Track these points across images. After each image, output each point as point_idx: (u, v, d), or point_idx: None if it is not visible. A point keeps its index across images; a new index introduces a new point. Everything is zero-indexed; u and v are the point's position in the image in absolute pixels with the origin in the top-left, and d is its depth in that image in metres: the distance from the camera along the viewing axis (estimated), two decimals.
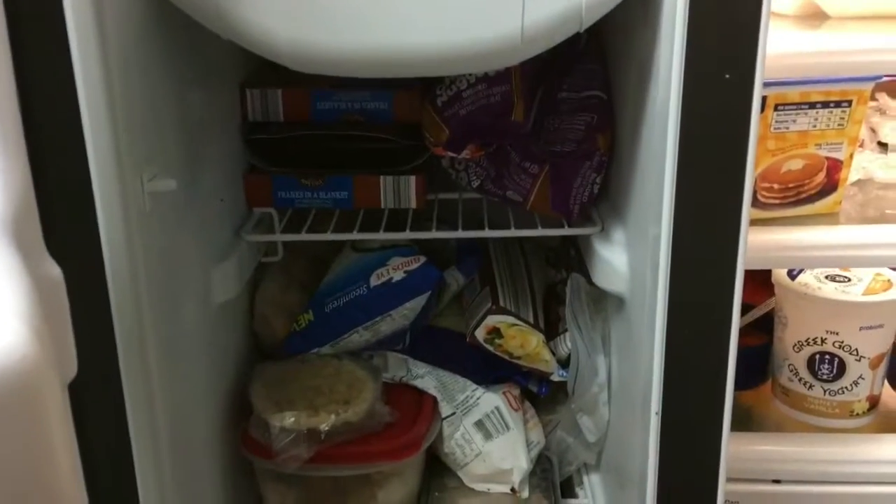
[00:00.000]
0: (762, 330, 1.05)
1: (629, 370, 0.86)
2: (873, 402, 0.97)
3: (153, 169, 0.67)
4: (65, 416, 0.34)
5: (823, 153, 0.87)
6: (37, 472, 0.30)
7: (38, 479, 0.29)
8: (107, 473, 0.67)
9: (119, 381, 0.61)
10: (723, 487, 0.77)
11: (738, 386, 0.74)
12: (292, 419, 0.85)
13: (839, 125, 0.86)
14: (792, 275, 0.97)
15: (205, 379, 0.84)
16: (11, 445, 0.29)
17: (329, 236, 0.93)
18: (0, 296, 0.31)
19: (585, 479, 1.06)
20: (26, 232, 0.41)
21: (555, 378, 1.01)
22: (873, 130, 1.11)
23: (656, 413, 0.72)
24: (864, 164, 1.03)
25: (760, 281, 1.03)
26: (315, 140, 0.95)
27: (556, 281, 1.10)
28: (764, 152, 0.86)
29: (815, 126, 0.86)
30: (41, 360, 0.30)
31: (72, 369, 0.42)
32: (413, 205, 0.96)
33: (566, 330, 1.00)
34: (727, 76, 0.62)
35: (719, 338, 0.72)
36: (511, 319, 0.97)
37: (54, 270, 0.42)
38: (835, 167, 0.88)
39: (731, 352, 0.72)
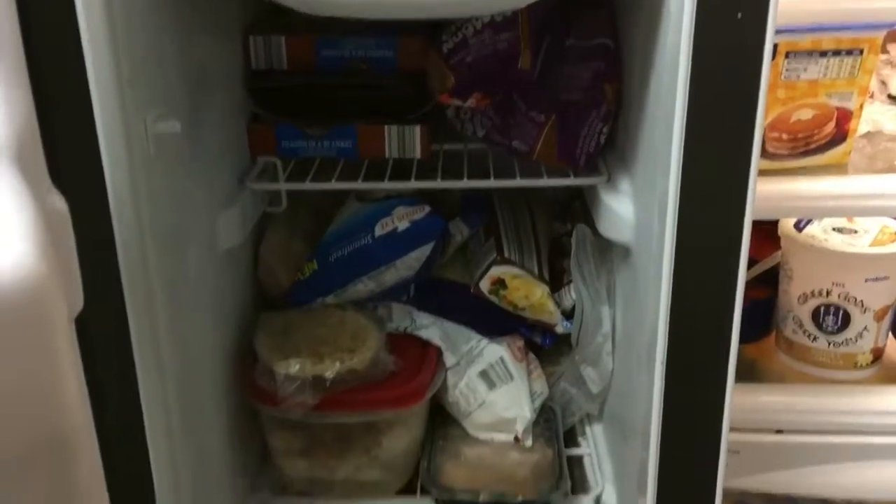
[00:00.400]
0: (767, 284, 1.05)
1: (634, 320, 0.86)
2: (877, 354, 0.97)
3: (157, 111, 0.67)
4: (72, 345, 0.34)
5: (833, 103, 0.87)
6: (45, 390, 0.29)
7: (47, 398, 0.29)
8: (115, 418, 0.67)
9: (125, 320, 0.61)
10: (726, 437, 0.77)
11: (742, 339, 0.73)
12: (297, 366, 0.86)
13: (850, 74, 0.85)
14: (799, 227, 0.97)
15: (211, 326, 0.85)
16: (18, 361, 0.28)
17: (333, 185, 0.92)
18: (6, 218, 0.31)
19: (588, 429, 1.07)
20: (31, 164, 0.41)
21: (559, 330, 1.02)
22: (884, 83, 1.10)
23: (661, 362, 0.72)
24: (873, 117, 1.02)
25: (766, 236, 1.02)
26: (319, 88, 0.94)
27: (560, 234, 1.10)
28: (774, 101, 0.85)
29: (825, 75, 0.85)
30: (48, 279, 0.29)
31: (78, 303, 0.42)
32: (418, 155, 0.95)
33: (570, 282, 1.00)
34: (739, 15, 0.61)
35: (726, 286, 0.71)
36: (515, 270, 0.97)
37: (60, 203, 0.41)
38: (844, 117, 0.87)
39: (738, 300, 0.72)
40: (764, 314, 1.05)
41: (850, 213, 0.93)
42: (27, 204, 0.33)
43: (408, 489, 0.97)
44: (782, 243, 1.00)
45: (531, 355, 1.05)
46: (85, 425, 0.34)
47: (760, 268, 1.05)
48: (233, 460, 0.90)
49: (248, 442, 0.95)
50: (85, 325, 0.44)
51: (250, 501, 0.95)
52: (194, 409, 0.79)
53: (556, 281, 1.02)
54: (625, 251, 0.88)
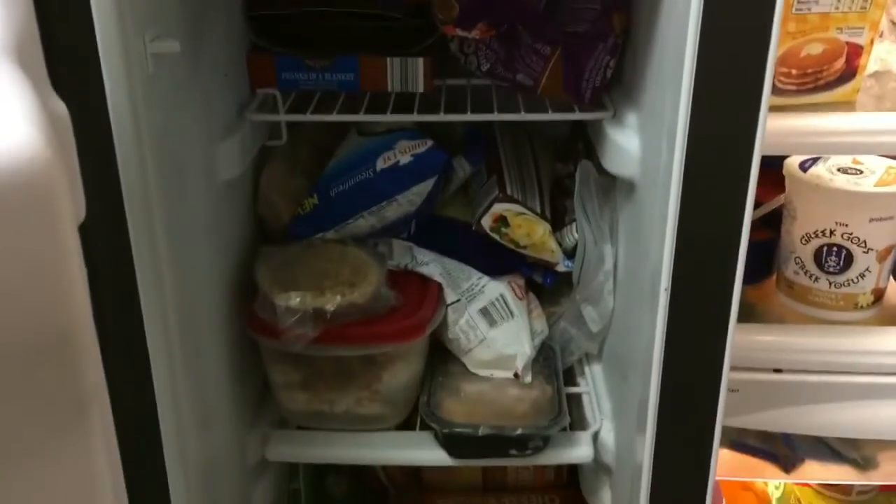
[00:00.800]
0: (769, 226, 1.04)
1: (637, 257, 0.85)
2: (878, 295, 0.97)
3: (155, 30, 0.65)
4: (78, 249, 0.33)
5: (844, 38, 0.85)
6: (55, 281, 0.29)
7: (57, 290, 0.29)
8: (117, 346, 0.67)
9: (128, 241, 0.61)
10: (726, 375, 0.78)
11: (743, 281, 0.73)
12: (298, 299, 0.85)
13: (861, 8, 0.83)
14: (804, 167, 0.95)
15: (211, 256, 0.84)
16: (27, 245, 0.28)
17: (334, 117, 0.91)
18: (8, 103, 0.30)
19: (587, 369, 1.07)
20: (32, 67, 0.40)
21: (560, 269, 1.01)
22: (893, 23, 1.08)
23: (665, 289, 0.72)
24: (882, 56, 1.00)
25: (769, 179, 1.01)
26: (321, 18, 0.92)
27: (563, 175, 1.09)
28: (784, 35, 0.83)
29: (837, 8, 0.83)
30: (54, 163, 0.28)
31: (81, 211, 0.41)
32: (421, 88, 0.94)
33: (573, 221, 0.99)
34: None
35: (732, 219, 0.71)
36: (518, 208, 0.96)
37: (60, 107, 0.40)
38: (855, 53, 0.86)
39: (744, 233, 0.71)
40: (765, 256, 1.05)
41: (859, 150, 0.92)
42: (30, 94, 0.32)
43: (407, 424, 0.98)
44: (787, 183, 0.99)
45: (531, 294, 1.05)
46: (92, 332, 0.33)
47: (764, 209, 1.04)
48: (233, 393, 0.91)
49: (249, 376, 0.95)
50: (86, 244, 0.44)
51: (250, 435, 0.96)
52: (195, 340, 0.78)
53: (558, 221, 1.02)
54: (629, 187, 0.87)
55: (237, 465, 0.93)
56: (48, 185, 0.29)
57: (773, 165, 0.98)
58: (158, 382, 0.70)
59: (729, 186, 0.70)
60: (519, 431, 0.90)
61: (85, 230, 0.42)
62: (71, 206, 0.31)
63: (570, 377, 1.06)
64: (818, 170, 0.95)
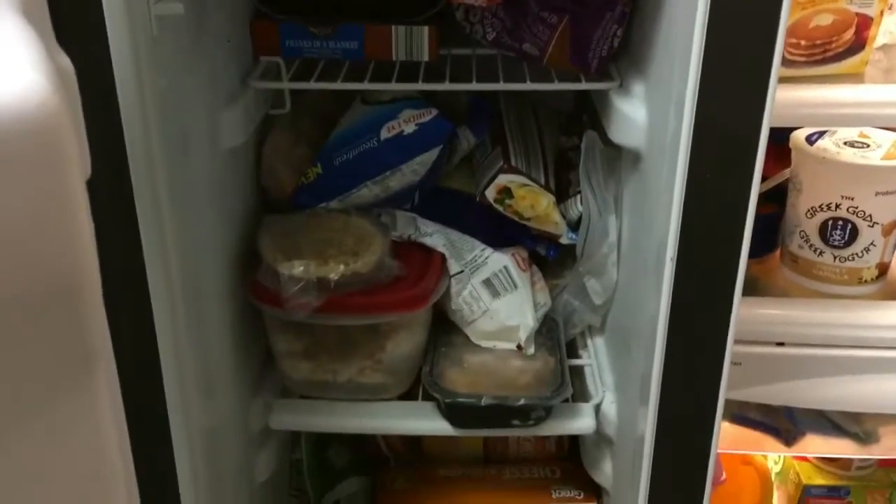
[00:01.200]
0: (773, 201, 1.04)
1: (642, 228, 0.85)
2: (882, 269, 0.96)
3: None
4: (86, 202, 0.33)
5: (854, 8, 0.84)
6: (63, 229, 0.28)
7: (64, 237, 0.28)
8: (123, 312, 0.67)
9: (132, 203, 0.60)
10: (730, 348, 0.77)
11: (748, 254, 0.73)
12: (301, 268, 0.85)
13: None
14: (811, 140, 0.95)
15: (214, 224, 0.84)
16: (35, 190, 0.27)
17: (338, 85, 0.90)
18: (14, 50, 0.29)
19: (589, 342, 1.07)
20: (37, 21, 0.39)
21: (564, 241, 1.01)
22: None
23: (671, 259, 0.72)
24: (891, 29, 0.99)
25: (775, 153, 1.01)
26: None
27: (567, 147, 1.09)
28: (794, 5, 0.82)
29: None
30: (62, 109, 0.28)
31: (87, 167, 0.41)
32: (426, 57, 0.93)
33: (577, 193, 0.99)
34: None
35: (740, 189, 0.71)
36: (522, 179, 0.96)
37: (66, 61, 0.39)
38: (864, 24, 0.85)
39: (751, 205, 0.71)
40: (770, 230, 1.04)
41: (867, 122, 0.91)
42: (38, 44, 0.31)
43: (409, 395, 0.98)
44: (793, 156, 0.98)
45: (534, 267, 1.05)
46: (98, 286, 0.33)
47: (770, 183, 1.03)
48: (236, 362, 0.91)
49: (252, 345, 0.95)
50: (91, 204, 0.43)
51: (253, 403, 0.96)
52: (198, 308, 0.78)
53: (562, 193, 1.01)
54: (635, 158, 0.87)
55: (240, 434, 0.93)
56: (57, 131, 0.28)
57: (779, 140, 0.98)
58: (163, 348, 0.70)
59: (737, 156, 0.70)
60: (521, 401, 0.90)
61: (90, 189, 0.42)
62: (79, 155, 0.31)
63: (573, 350, 1.06)
64: (825, 143, 0.94)
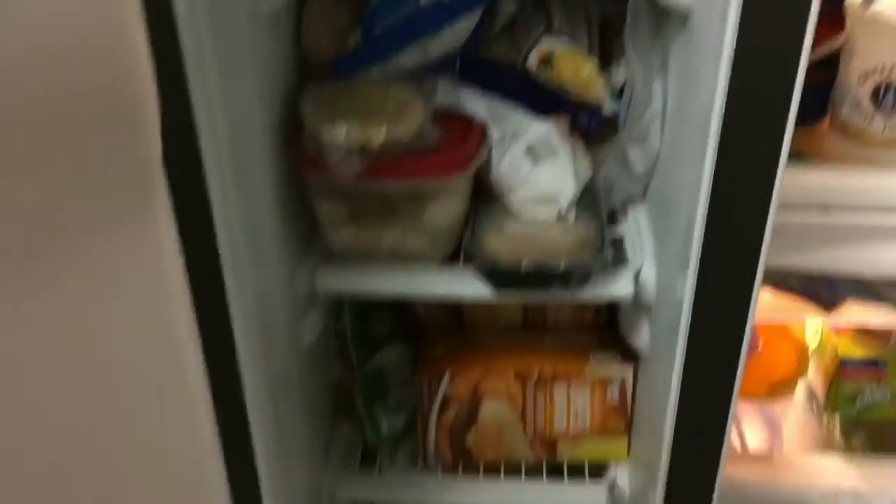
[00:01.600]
0: (826, 67, 1.01)
1: (688, 94, 0.84)
2: None
3: None
4: (142, 24, 0.33)
5: None
6: (119, 42, 0.29)
7: (121, 49, 0.29)
8: (181, 180, 0.68)
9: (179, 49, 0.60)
10: (773, 211, 0.77)
11: (796, 122, 0.71)
12: (344, 133, 0.86)
13: None
14: (866, 3, 0.92)
15: (256, 90, 0.84)
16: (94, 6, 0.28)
17: None
18: None
19: (630, 211, 1.07)
20: None
21: (605, 111, 1.00)
22: None
23: (715, 135, 0.71)
24: None
25: (830, 20, 0.97)
26: None
27: (612, 14, 1.06)
28: None
29: None
30: None
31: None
32: None
33: (621, 61, 0.97)
34: None
35: (791, 48, 0.69)
36: (566, 43, 0.94)
37: None
38: None
39: (802, 63, 0.69)
40: (820, 98, 1.02)
41: None
42: None
43: (450, 261, 0.99)
44: (847, 21, 0.95)
45: (576, 135, 1.04)
46: (155, 106, 0.34)
47: (822, 50, 1.00)
48: (283, 230, 0.92)
49: (296, 213, 0.97)
50: None
51: (300, 269, 0.98)
52: (246, 173, 0.79)
53: (605, 61, 0.99)
54: (682, 20, 0.84)
55: (288, 299, 0.96)
56: None
57: (835, 2, 0.94)
58: (217, 212, 0.72)
59: (789, 15, 0.67)
60: (562, 266, 0.91)
61: None
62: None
63: (613, 219, 1.06)
64: (880, 6, 0.91)
